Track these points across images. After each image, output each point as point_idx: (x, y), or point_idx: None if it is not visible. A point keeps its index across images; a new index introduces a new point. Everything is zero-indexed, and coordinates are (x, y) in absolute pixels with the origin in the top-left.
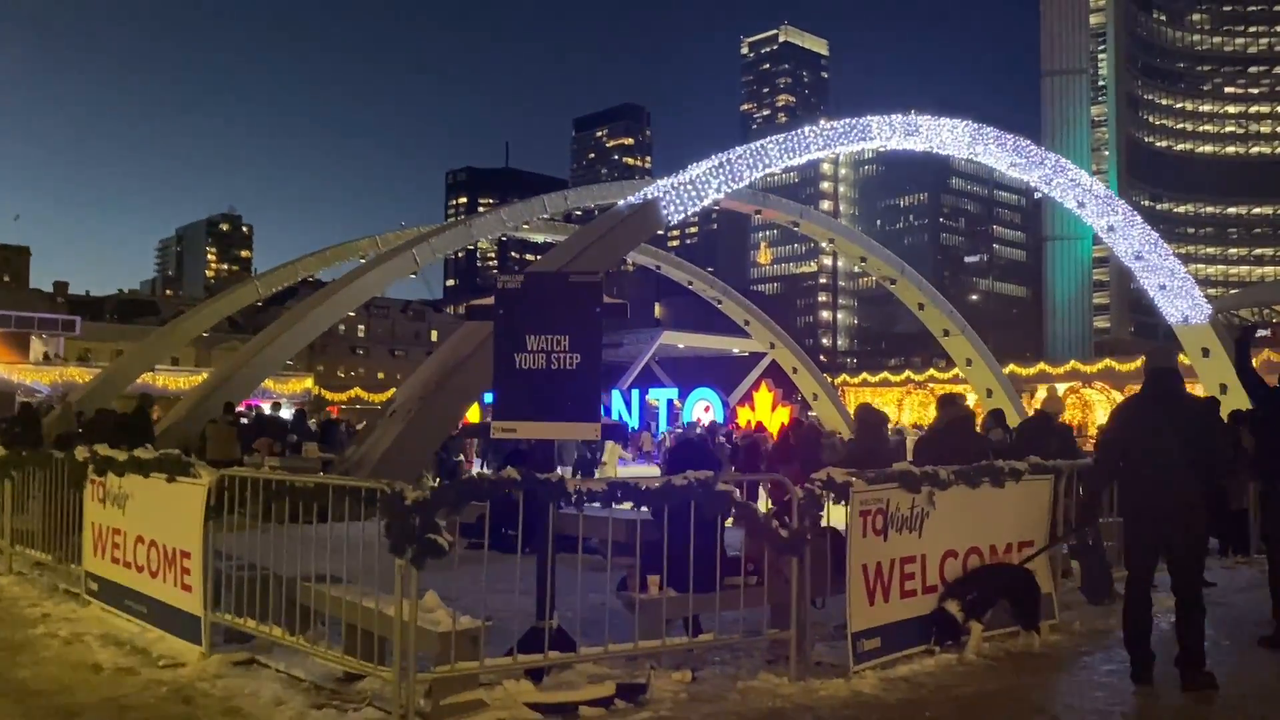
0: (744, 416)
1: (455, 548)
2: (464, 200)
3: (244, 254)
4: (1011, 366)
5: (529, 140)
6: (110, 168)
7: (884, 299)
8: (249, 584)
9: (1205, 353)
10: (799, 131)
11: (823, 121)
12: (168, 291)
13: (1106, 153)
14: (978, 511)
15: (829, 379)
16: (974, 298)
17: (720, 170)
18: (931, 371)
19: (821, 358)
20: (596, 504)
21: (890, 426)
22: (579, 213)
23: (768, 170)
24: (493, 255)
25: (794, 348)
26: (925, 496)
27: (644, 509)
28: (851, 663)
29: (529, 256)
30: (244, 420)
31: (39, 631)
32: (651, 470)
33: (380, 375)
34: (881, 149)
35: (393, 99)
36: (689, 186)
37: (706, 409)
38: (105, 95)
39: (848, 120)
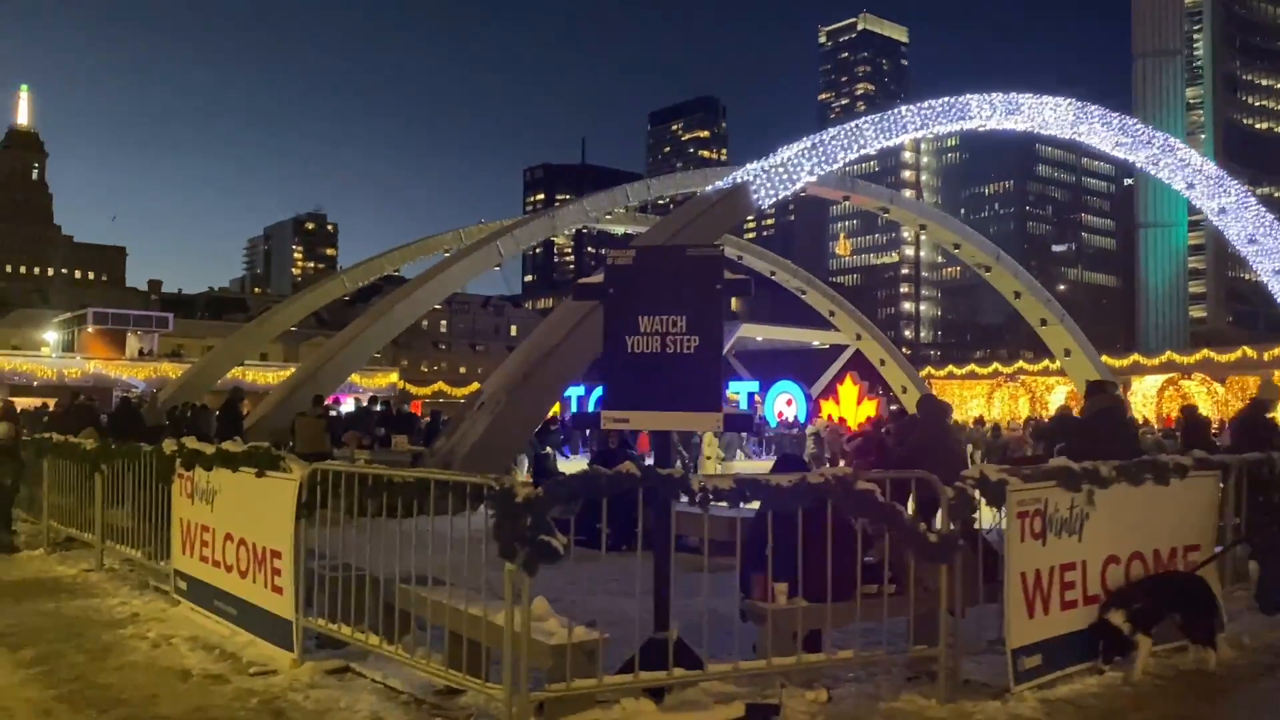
0: (828, 410)
1: (570, 550)
2: (541, 197)
3: (329, 252)
4: (1103, 358)
5: (605, 136)
6: (201, 169)
7: (967, 290)
8: (342, 586)
9: None
10: (895, 111)
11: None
12: (255, 289)
13: (1203, 136)
14: (1141, 512)
15: (934, 371)
16: (1062, 287)
17: (813, 152)
18: (1020, 364)
19: (904, 350)
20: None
21: (969, 424)
22: (662, 201)
23: (862, 152)
24: (570, 251)
25: (881, 339)
26: (1085, 496)
27: (745, 506)
28: (1011, 682)
29: (606, 251)
30: (332, 414)
31: (127, 633)
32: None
33: (462, 369)
34: (980, 127)
35: (470, 98)
36: (780, 169)
37: (789, 402)
38: (194, 99)
39: (946, 99)
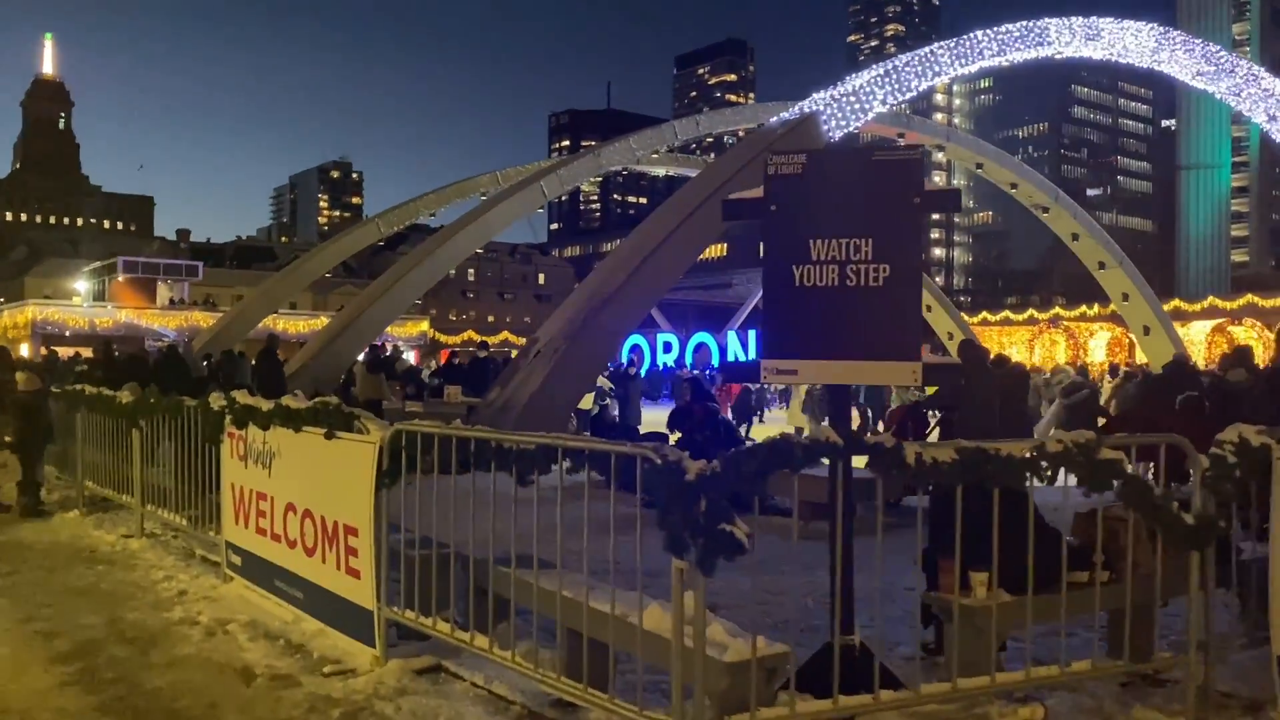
0: None
1: (755, 540)
2: (566, 143)
3: (354, 200)
4: None
5: (630, 80)
6: (227, 119)
7: (997, 235)
8: (421, 566)
9: None
10: (971, 36)
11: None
12: (283, 238)
13: None
14: None
15: (966, 318)
16: None
17: (886, 80)
18: (1056, 309)
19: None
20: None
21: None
22: (710, 140)
23: (936, 79)
24: (596, 198)
25: (929, 284)
26: None
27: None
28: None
29: (633, 199)
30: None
31: (175, 616)
32: None
33: (490, 319)
34: (1057, 55)
35: (496, 44)
36: (851, 98)
37: None
38: (220, 47)
39: (1024, 23)
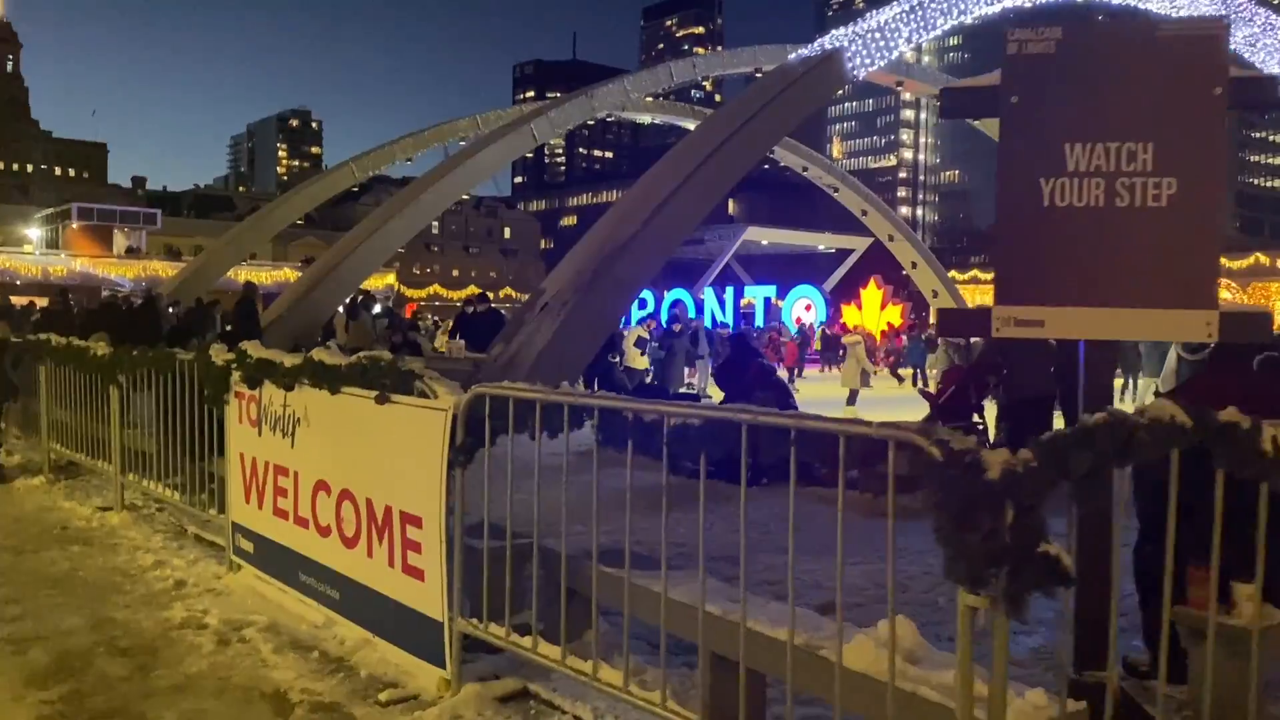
0: (851, 316)
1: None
2: (531, 94)
3: (314, 150)
4: None
5: (597, 32)
6: (183, 65)
7: (962, 194)
8: (501, 563)
9: None
10: None
11: None
12: (239, 188)
13: None
14: None
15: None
16: None
17: (911, 16)
18: None
19: None
20: None
21: None
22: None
23: (961, 19)
24: (560, 151)
25: (914, 240)
26: None
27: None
28: None
29: (599, 153)
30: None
31: (177, 616)
32: None
33: (455, 272)
34: None
35: None
36: (875, 35)
37: (808, 308)
38: None
39: None
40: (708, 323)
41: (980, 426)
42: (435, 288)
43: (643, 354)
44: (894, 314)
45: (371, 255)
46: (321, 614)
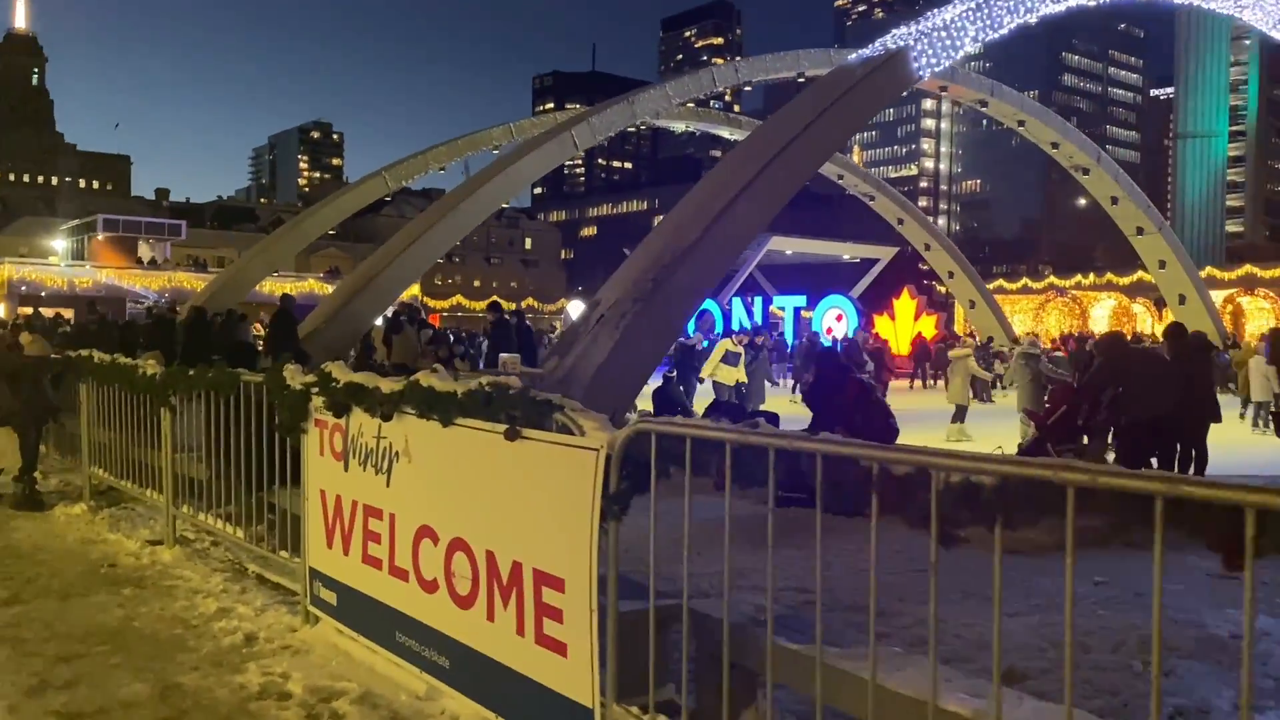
0: (884, 328)
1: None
2: (550, 105)
3: (335, 162)
4: (1139, 273)
5: (616, 42)
6: (205, 78)
7: (983, 204)
8: (643, 629)
9: None
10: None
11: None
12: (261, 199)
13: (1247, 42)
14: None
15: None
16: (1082, 202)
17: (977, 14)
18: (1050, 279)
19: (923, 265)
20: None
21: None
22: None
23: (1028, 16)
24: (580, 162)
25: (952, 249)
26: None
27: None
28: None
29: (618, 164)
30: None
31: (253, 682)
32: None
33: (476, 283)
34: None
35: (478, 4)
36: (941, 34)
37: (839, 318)
38: (198, 5)
39: None
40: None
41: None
42: (458, 298)
43: (734, 367)
44: (927, 324)
45: (411, 266)
46: (423, 682)
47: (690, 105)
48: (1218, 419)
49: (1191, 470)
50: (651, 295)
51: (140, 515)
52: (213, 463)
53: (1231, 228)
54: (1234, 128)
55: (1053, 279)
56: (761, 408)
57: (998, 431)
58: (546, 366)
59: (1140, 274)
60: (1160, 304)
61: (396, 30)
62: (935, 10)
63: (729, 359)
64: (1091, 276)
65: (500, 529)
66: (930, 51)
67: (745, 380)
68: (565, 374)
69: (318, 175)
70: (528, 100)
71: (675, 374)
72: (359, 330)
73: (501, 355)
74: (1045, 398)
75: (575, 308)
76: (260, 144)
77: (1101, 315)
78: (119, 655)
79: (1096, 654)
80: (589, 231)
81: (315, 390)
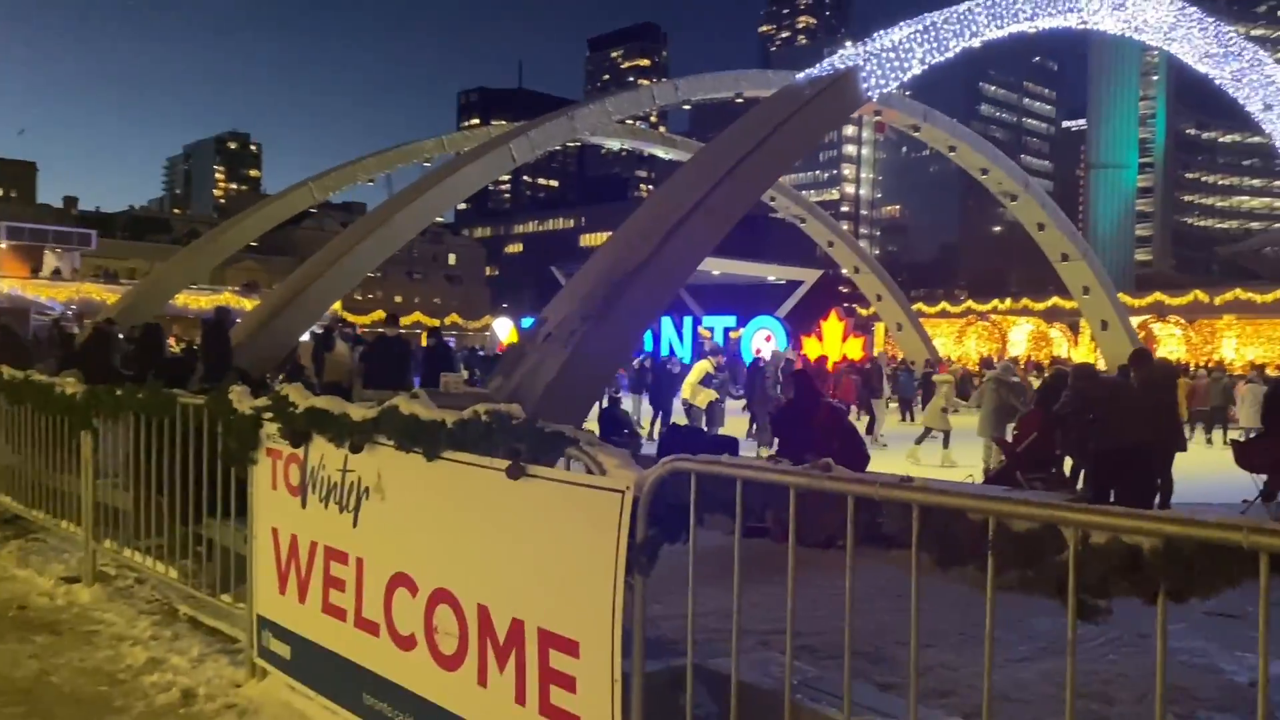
0: (812, 349)
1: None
2: (476, 121)
3: (253, 173)
4: (1054, 299)
5: (542, 60)
6: (117, 84)
7: (901, 229)
8: (661, 693)
9: None
10: None
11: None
12: (175, 210)
13: (1155, 77)
14: None
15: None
16: (998, 229)
17: (925, 35)
18: (968, 303)
19: (843, 289)
20: None
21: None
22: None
23: (973, 41)
24: (506, 180)
25: (880, 272)
26: None
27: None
28: None
29: (544, 182)
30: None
31: None
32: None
33: (398, 299)
34: (1081, 24)
35: (403, 18)
36: (890, 55)
37: (768, 339)
38: (109, 8)
39: None
40: (664, 353)
41: (1060, 477)
42: (380, 314)
43: (709, 389)
44: (855, 347)
45: (340, 280)
46: None
47: (628, 123)
48: (1184, 448)
49: (1158, 500)
50: (603, 313)
51: (53, 548)
52: (139, 491)
53: (1140, 256)
54: (1143, 159)
55: (970, 303)
56: (720, 431)
57: (956, 453)
58: (491, 385)
59: (1055, 299)
60: (1075, 329)
61: (320, 42)
62: (883, 31)
63: (707, 380)
64: (1008, 301)
65: (497, 580)
66: (879, 72)
67: (717, 399)
68: (512, 393)
69: (235, 186)
70: (453, 116)
71: (649, 395)
72: (284, 346)
73: (443, 375)
74: (1013, 425)
75: (501, 325)
76: (175, 153)
77: (1019, 339)
78: (35, 719)
79: (1121, 705)
80: (515, 248)
81: (268, 416)
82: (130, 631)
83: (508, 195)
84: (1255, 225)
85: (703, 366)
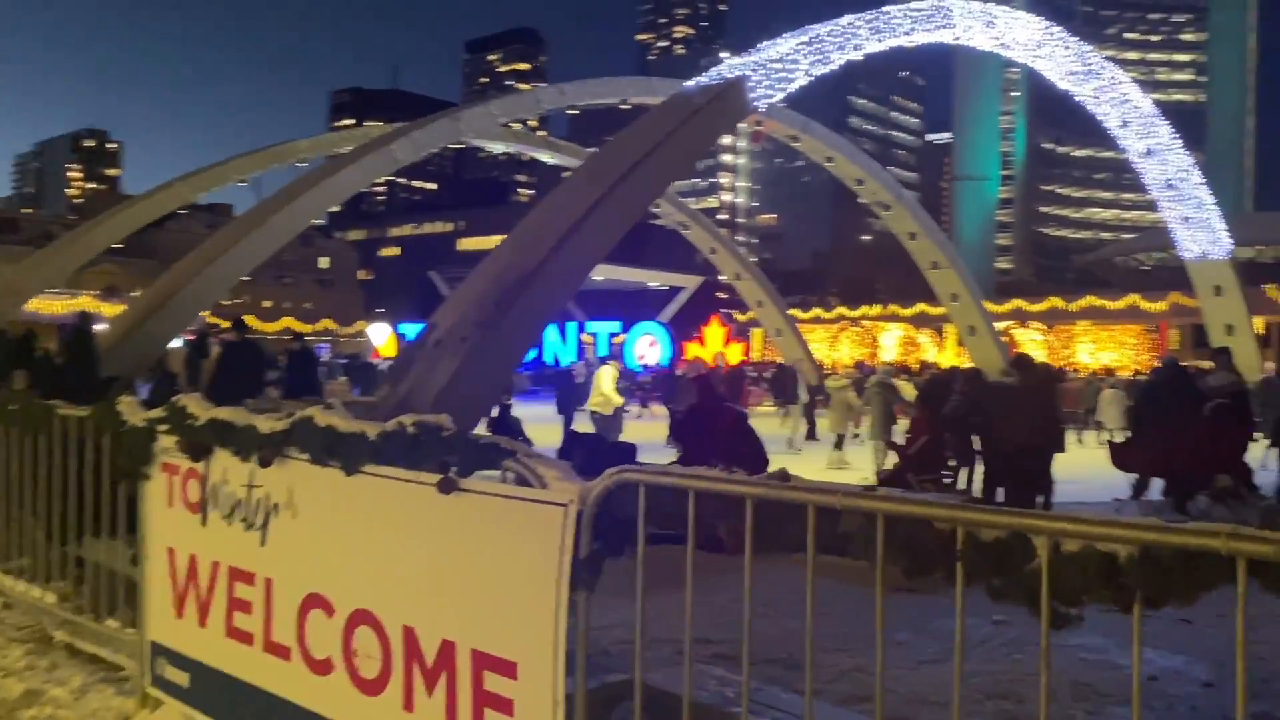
0: (693, 352)
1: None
2: (350, 121)
3: (111, 172)
4: (921, 305)
5: (419, 62)
6: None
7: (776, 237)
8: (603, 712)
9: (1218, 290)
10: (885, 11)
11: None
12: (24, 209)
13: (1016, 93)
14: None
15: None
16: (867, 237)
17: (809, 48)
18: (840, 309)
19: (720, 295)
20: None
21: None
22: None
23: (855, 54)
24: (380, 182)
25: (761, 278)
26: None
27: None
28: None
29: (419, 184)
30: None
31: None
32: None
33: (267, 304)
34: (956, 40)
35: (274, 13)
36: (776, 66)
37: (652, 344)
38: None
39: (933, 2)
40: (549, 360)
41: (950, 479)
42: (248, 319)
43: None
44: (735, 351)
45: (213, 284)
46: None
47: (512, 127)
48: (1063, 449)
49: (1040, 499)
50: (494, 319)
51: None
52: (8, 509)
53: (1001, 264)
54: (1004, 172)
55: (842, 309)
56: (620, 438)
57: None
58: (378, 394)
59: (922, 305)
60: (942, 333)
61: (186, 38)
62: (769, 42)
63: (625, 388)
64: (878, 308)
65: (425, 600)
66: (766, 82)
67: (622, 405)
68: (400, 401)
69: (92, 186)
70: (325, 116)
71: (556, 404)
72: (153, 353)
73: (328, 384)
74: (907, 429)
75: (378, 331)
76: (25, 150)
77: (890, 344)
78: None
79: (1032, 705)
80: (390, 252)
81: (163, 428)
82: (1, 662)
83: (382, 198)
84: (1107, 235)
85: (611, 373)
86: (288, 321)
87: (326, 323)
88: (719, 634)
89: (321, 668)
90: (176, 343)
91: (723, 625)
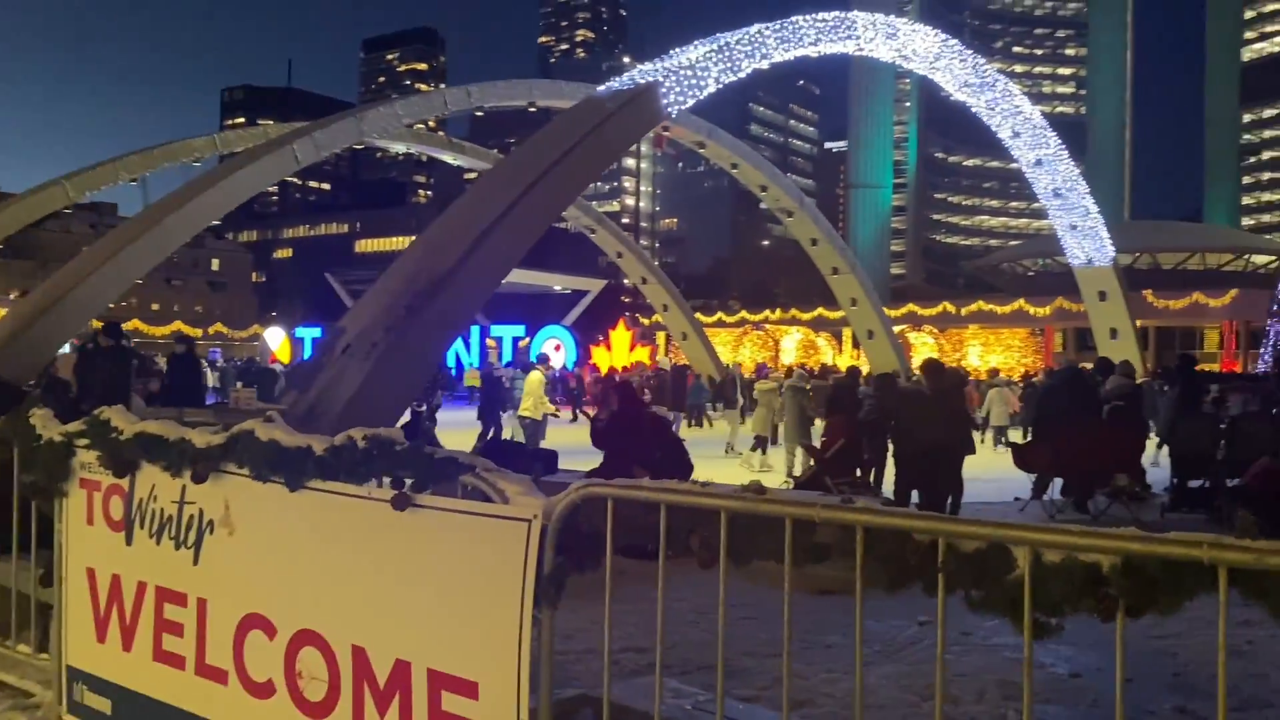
0: (601, 358)
1: None
2: (241, 120)
3: None
4: (819, 309)
5: (314, 60)
6: None
7: (679, 241)
8: None
9: (1102, 296)
10: (792, 21)
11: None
12: None
13: (909, 104)
14: None
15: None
16: (766, 243)
17: (719, 56)
18: (743, 314)
19: (625, 298)
20: None
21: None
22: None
23: (765, 62)
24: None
25: (667, 283)
26: None
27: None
28: None
29: (314, 184)
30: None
31: None
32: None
33: (155, 306)
34: (859, 51)
35: (160, 10)
36: (688, 72)
37: (557, 348)
38: None
39: (837, 13)
40: (450, 363)
41: (864, 481)
42: (136, 323)
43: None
44: (642, 354)
45: (105, 286)
46: None
47: (415, 128)
48: (973, 450)
49: (950, 500)
50: (406, 323)
51: None
52: None
53: (895, 270)
54: (897, 180)
55: (744, 313)
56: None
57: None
58: (285, 401)
59: (821, 310)
60: (840, 337)
61: (69, 31)
62: (679, 49)
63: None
64: (778, 312)
65: (377, 620)
66: (678, 89)
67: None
68: (308, 409)
69: None
70: (216, 114)
71: (478, 409)
72: (44, 357)
73: (234, 390)
74: (823, 432)
75: (273, 335)
76: None
77: (790, 347)
78: None
79: (966, 706)
80: (284, 253)
81: (83, 443)
82: None
83: (275, 198)
84: (994, 242)
85: (540, 379)
86: (178, 325)
87: (218, 326)
88: (648, 641)
89: (262, 691)
90: (65, 348)
91: (652, 633)
